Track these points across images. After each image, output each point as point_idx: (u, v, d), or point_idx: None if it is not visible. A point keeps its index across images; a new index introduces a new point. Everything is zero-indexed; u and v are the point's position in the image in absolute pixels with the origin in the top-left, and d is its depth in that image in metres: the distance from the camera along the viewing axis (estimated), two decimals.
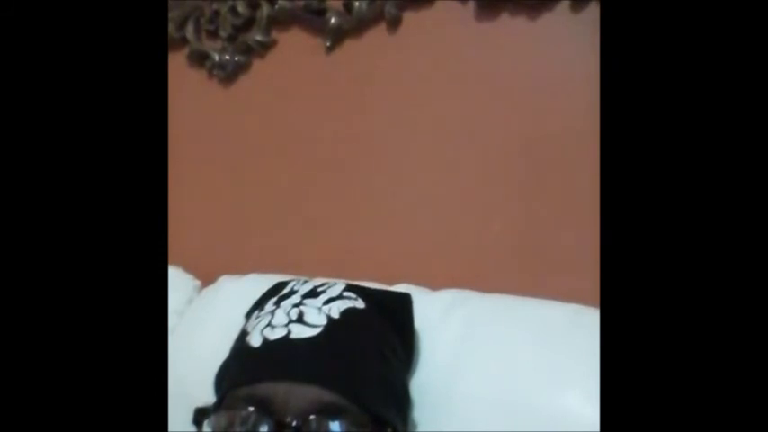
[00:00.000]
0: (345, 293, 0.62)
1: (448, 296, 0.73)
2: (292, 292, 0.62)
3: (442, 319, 0.70)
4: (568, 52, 0.84)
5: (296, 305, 0.60)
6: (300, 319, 0.58)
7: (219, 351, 0.64)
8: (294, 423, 0.52)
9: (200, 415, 0.57)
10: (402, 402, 0.62)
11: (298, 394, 0.54)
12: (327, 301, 0.60)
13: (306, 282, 0.65)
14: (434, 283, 0.76)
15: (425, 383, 0.66)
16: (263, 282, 0.71)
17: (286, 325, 0.58)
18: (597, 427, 0.56)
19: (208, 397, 0.62)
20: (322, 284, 0.63)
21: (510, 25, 0.85)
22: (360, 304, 0.62)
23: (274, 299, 0.63)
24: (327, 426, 0.53)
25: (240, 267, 0.88)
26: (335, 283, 0.64)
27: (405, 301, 0.68)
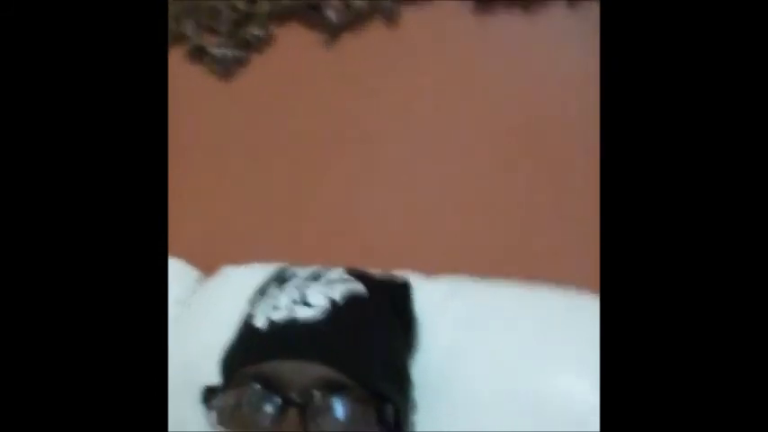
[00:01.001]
0: (346, 277, 0.64)
1: (446, 283, 0.74)
2: (294, 276, 0.64)
3: (442, 306, 0.71)
4: (564, 47, 0.85)
5: (298, 288, 0.61)
6: (304, 301, 0.59)
7: (224, 337, 0.65)
8: (299, 400, 0.54)
9: (208, 393, 0.58)
10: (403, 381, 0.64)
11: (302, 372, 0.56)
12: (329, 284, 0.62)
13: (307, 267, 0.66)
14: (432, 271, 0.78)
15: (425, 367, 0.67)
16: (265, 271, 0.72)
17: (290, 306, 0.59)
18: (595, 409, 0.58)
19: (214, 382, 0.63)
20: (323, 269, 0.65)
21: (507, 20, 0.87)
22: (360, 287, 0.63)
23: (277, 283, 0.64)
24: (331, 402, 0.55)
25: (241, 258, 0.89)
26: (335, 268, 0.65)
27: (404, 286, 0.69)
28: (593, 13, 0.83)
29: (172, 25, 1.11)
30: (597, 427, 0.52)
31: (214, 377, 0.64)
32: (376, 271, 0.73)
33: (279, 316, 0.59)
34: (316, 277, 0.63)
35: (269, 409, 0.55)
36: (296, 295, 0.60)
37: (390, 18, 0.93)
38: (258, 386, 0.56)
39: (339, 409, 0.55)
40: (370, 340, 0.60)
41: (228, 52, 1.06)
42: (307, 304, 0.59)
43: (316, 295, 0.60)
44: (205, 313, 0.84)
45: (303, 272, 0.64)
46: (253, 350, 0.59)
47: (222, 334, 0.66)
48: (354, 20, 0.95)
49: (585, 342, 0.63)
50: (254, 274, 0.74)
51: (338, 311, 0.59)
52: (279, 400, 0.54)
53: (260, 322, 0.60)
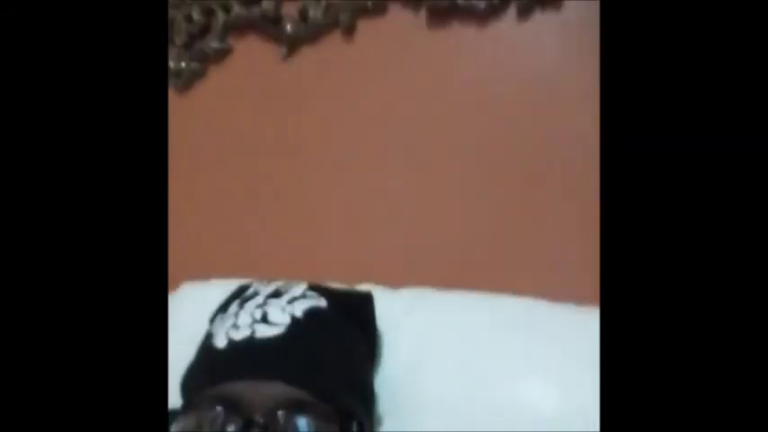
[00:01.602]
0: (308, 293, 0.64)
1: (409, 295, 0.75)
2: (256, 294, 0.63)
3: (404, 317, 0.72)
4: (518, 57, 0.87)
5: (259, 306, 0.61)
6: (264, 319, 0.59)
7: (183, 355, 0.64)
8: (262, 420, 0.54)
9: (169, 416, 0.57)
10: (366, 397, 0.64)
11: (264, 391, 0.55)
12: (290, 301, 0.62)
13: (269, 283, 0.66)
14: (397, 284, 0.78)
15: (389, 379, 0.68)
16: (226, 287, 0.71)
17: (250, 325, 0.59)
18: (563, 415, 0.59)
19: (174, 401, 0.62)
20: (285, 285, 0.65)
21: (460, 32, 0.89)
22: (323, 303, 0.63)
23: (238, 301, 0.64)
24: (294, 421, 0.55)
25: (201, 273, 0.88)
26: (298, 284, 0.65)
27: (367, 299, 0.69)
28: (546, 24, 0.85)
29: None
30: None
31: (175, 396, 0.63)
32: (340, 285, 0.74)
33: (239, 335, 0.58)
34: (277, 294, 0.63)
35: (231, 430, 0.54)
36: (257, 313, 0.60)
37: (347, 31, 0.94)
38: (220, 408, 0.55)
39: (303, 427, 0.55)
40: (331, 356, 0.60)
41: (185, 65, 1.05)
42: (268, 322, 0.59)
43: (277, 313, 0.60)
44: None
45: (264, 289, 0.64)
46: (213, 371, 0.58)
47: (182, 352, 0.65)
48: (311, 33, 0.96)
49: (550, 349, 0.65)
50: (215, 291, 0.74)
51: (299, 328, 0.59)
52: (241, 423, 0.54)
53: (220, 342, 0.59)
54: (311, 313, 0.61)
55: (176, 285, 0.90)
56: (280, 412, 0.55)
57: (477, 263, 0.85)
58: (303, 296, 0.63)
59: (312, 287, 0.65)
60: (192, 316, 0.71)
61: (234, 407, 0.55)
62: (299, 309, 0.61)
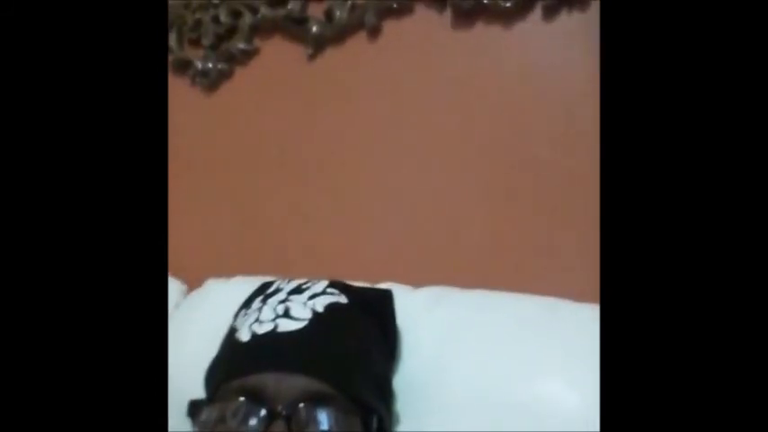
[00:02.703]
0: (329, 290, 0.64)
1: (430, 293, 0.75)
2: (278, 290, 0.64)
3: (426, 316, 0.72)
4: (544, 58, 0.87)
5: (282, 301, 0.62)
6: (287, 314, 0.60)
7: (208, 352, 0.66)
8: (284, 412, 0.54)
9: (194, 407, 0.58)
10: (386, 393, 0.65)
11: (287, 384, 0.56)
12: (312, 297, 0.62)
13: (291, 281, 0.67)
14: (418, 283, 0.78)
15: (410, 377, 0.68)
16: (250, 284, 0.72)
17: (273, 320, 0.60)
18: (581, 416, 0.59)
19: (197, 396, 0.63)
20: (306, 282, 0.66)
21: (486, 32, 0.88)
22: (343, 299, 0.64)
23: (261, 297, 0.65)
24: (316, 413, 0.55)
25: (226, 270, 0.90)
26: (319, 281, 0.66)
27: (386, 297, 0.70)
28: (571, 24, 0.85)
29: None
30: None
31: (199, 389, 0.64)
32: (361, 283, 0.74)
33: (262, 329, 0.59)
34: (299, 291, 0.64)
35: (254, 421, 0.55)
36: (279, 309, 0.61)
37: (372, 31, 0.95)
38: (243, 399, 0.56)
39: (324, 420, 0.56)
40: (352, 351, 0.61)
41: (212, 65, 1.06)
42: (290, 317, 0.60)
43: (299, 308, 0.61)
44: (189, 326, 0.84)
45: (287, 285, 0.65)
46: (236, 363, 0.59)
47: (206, 346, 0.66)
48: (337, 33, 0.96)
49: (571, 349, 0.64)
50: (239, 287, 0.75)
51: (320, 323, 0.60)
52: (264, 413, 0.55)
53: (244, 336, 0.60)
54: (332, 309, 0.62)
55: (201, 282, 0.92)
56: (302, 404, 0.55)
57: (498, 262, 0.85)
58: (324, 292, 0.64)
59: (333, 284, 0.66)
60: (217, 311, 0.72)
61: (257, 399, 0.56)
62: (320, 304, 0.61)
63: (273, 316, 0.60)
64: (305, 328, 0.59)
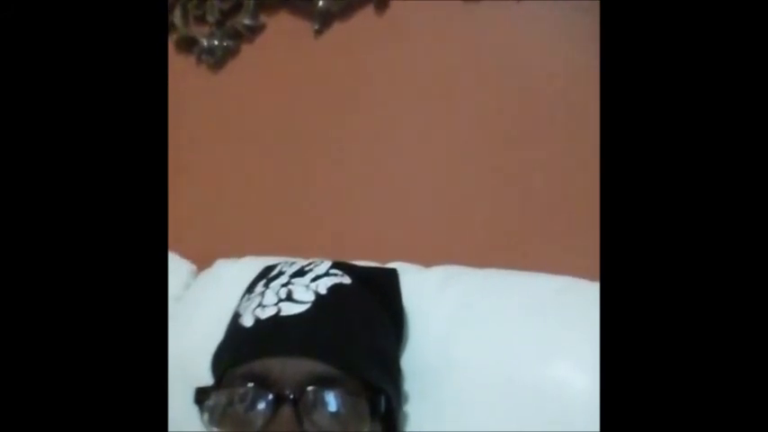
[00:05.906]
0: (332, 271, 0.64)
1: (441, 272, 0.74)
2: (281, 274, 0.64)
3: (437, 295, 0.71)
4: (557, 37, 0.85)
5: (284, 285, 0.62)
6: (289, 298, 0.60)
7: (218, 333, 0.65)
8: (292, 395, 0.54)
9: (201, 394, 0.58)
10: (393, 371, 0.64)
11: (292, 368, 0.56)
12: (314, 279, 0.62)
13: (293, 263, 0.66)
14: (427, 263, 0.78)
15: (420, 356, 0.67)
16: (259, 264, 0.72)
17: (276, 304, 0.60)
18: (592, 396, 0.58)
19: (207, 378, 0.63)
20: (309, 264, 0.65)
21: (496, 7, 0.86)
22: (346, 280, 0.63)
23: (263, 281, 0.64)
24: (323, 396, 0.55)
25: (236, 251, 0.89)
26: (322, 262, 0.66)
27: (391, 275, 0.69)
28: (588, 3, 0.82)
29: None
30: (594, 414, 0.53)
31: (207, 374, 0.64)
32: (372, 262, 0.73)
33: (265, 314, 0.59)
34: (301, 273, 0.63)
35: (262, 406, 0.55)
36: (282, 292, 0.61)
37: (379, 5, 0.93)
38: (250, 384, 0.56)
39: (332, 402, 0.55)
40: (357, 331, 0.60)
41: (218, 42, 1.05)
42: (293, 300, 0.60)
43: (301, 291, 0.60)
44: (199, 307, 0.84)
45: (289, 268, 0.65)
46: (241, 349, 0.59)
47: (216, 328, 0.66)
48: (344, 8, 0.95)
49: (582, 330, 0.63)
50: (249, 268, 0.74)
51: (324, 305, 0.60)
52: (271, 397, 0.54)
53: (247, 321, 0.60)
54: (335, 290, 0.61)
55: (211, 262, 0.91)
56: (309, 388, 0.55)
57: (510, 241, 0.84)
58: (327, 274, 0.63)
59: (336, 265, 0.65)
60: (228, 292, 0.72)
61: (263, 383, 0.56)
62: (323, 286, 0.61)
63: (276, 300, 0.60)
64: (308, 311, 0.59)
